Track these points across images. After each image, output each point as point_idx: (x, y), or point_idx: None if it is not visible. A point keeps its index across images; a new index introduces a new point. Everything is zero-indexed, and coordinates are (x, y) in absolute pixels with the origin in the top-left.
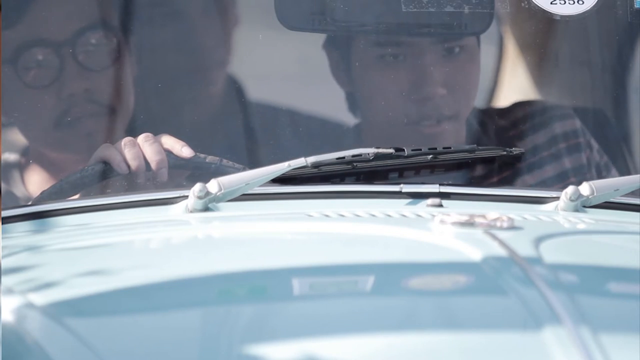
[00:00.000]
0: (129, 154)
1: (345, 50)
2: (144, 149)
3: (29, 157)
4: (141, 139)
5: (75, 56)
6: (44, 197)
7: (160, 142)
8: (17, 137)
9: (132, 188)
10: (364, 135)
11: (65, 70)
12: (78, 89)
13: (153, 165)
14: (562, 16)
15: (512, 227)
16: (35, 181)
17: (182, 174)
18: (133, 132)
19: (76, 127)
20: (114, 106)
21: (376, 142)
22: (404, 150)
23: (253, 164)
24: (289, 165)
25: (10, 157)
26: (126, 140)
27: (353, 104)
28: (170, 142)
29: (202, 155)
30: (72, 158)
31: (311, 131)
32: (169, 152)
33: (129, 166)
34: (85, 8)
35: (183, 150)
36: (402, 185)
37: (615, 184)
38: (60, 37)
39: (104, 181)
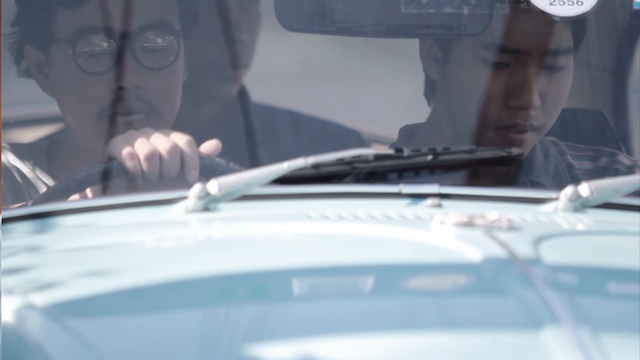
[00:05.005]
0: (148, 167)
1: (445, 45)
2: (164, 157)
3: (52, 152)
4: (163, 148)
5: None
6: (50, 194)
7: (180, 152)
8: (19, 136)
9: (132, 188)
10: (434, 132)
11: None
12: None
13: (171, 171)
14: (561, 17)
15: (512, 228)
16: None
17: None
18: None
19: (109, 121)
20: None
21: (442, 139)
22: (403, 150)
23: (252, 164)
24: (289, 166)
25: (12, 155)
26: (148, 153)
27: (353, 104)
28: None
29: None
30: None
31: (311, 131)
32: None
33: (144, 176)
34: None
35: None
36: (401, 186)
37: (614, 185)
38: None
39: (109, 181)
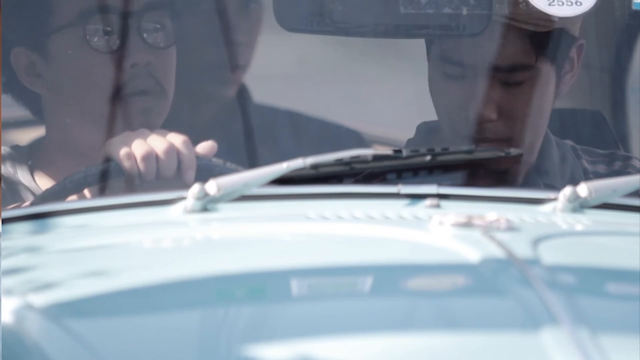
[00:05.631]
0: (145, 168)
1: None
2: (160, 158)
3: (40, 152)
4: (160, 148)
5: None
6: (47, 195)
7: (176, 152)
8: (30, 133)
9: (129, 189)
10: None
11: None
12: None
13: (169, 172)
14: (560, 17)
15: (511, 229)
16: (48, 178)
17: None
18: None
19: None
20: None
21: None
22: (401, 151)
23: (251, 164)
24: (287, 167)
25: (19, 152)
26: (145, 153)
27: (352, 105)
28: (182, 148)
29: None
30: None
31: (309, 132)
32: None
33: (141, 176)
34: None
35: (187, 174)
36: (400, 187)
37: (613, 185)
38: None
39: (106, 182)
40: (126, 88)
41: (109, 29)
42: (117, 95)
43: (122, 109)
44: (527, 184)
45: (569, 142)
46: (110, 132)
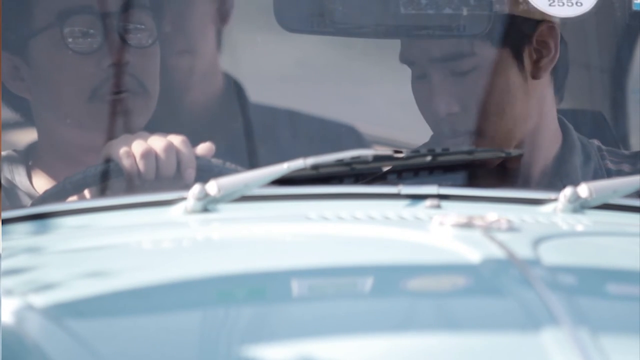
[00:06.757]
0: (144, 166)
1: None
2: (160, 156)
3: (33, 155)
4: (159, 147)
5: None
6: (47, 196)
7: (175, 151)
8: (20, 136)
9: (129, 188)
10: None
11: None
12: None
13: (168, 172)
14: (560, 18)
15: (511, 229)
16: (41, 180)
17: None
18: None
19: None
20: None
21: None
22: (402, 151)
23: (252, 165)
24: (288, 167)
25: (12, 156)
26: (144, 151)
27: (353, 105)
28: (182, 148)
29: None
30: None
31: (310, 133)
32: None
33: (140, 175)
34: None
35: (187, 172)
36: (400, 187)
37: (614, 186)
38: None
39: (106, 182)
40: (107, 89)
41: (87, 29)
42: (99, 96)
43: (105, 110)
44: (537, 185)
45: (596, 142)
46: (96, 134)
